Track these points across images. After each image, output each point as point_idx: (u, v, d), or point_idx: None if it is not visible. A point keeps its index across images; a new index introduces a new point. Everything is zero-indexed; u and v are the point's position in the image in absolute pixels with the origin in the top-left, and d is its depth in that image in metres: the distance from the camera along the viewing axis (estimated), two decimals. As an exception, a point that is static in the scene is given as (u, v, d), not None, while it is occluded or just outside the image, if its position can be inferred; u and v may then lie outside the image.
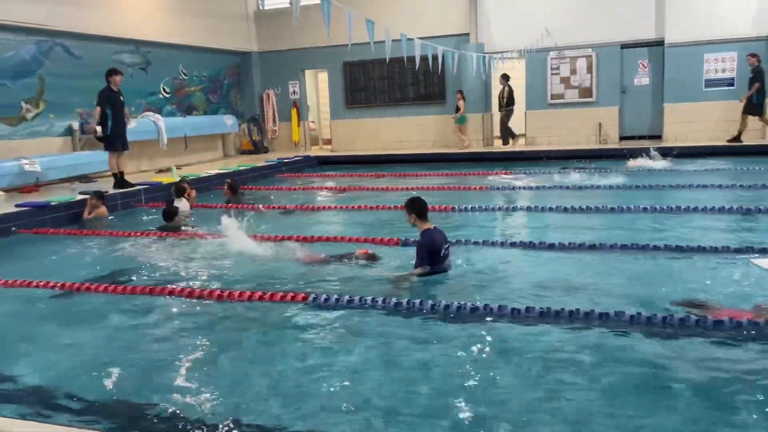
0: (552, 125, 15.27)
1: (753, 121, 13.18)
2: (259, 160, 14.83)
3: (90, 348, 4.28)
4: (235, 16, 16.99)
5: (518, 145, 15.46)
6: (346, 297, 4.83)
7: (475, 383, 3.47)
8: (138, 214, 9.64)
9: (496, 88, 16.17)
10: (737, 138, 13.21)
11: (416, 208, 5.46)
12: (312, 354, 3.96)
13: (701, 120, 13.82)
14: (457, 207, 8.44)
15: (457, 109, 15.47)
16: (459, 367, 3.68)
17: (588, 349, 3.84)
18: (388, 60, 7.33)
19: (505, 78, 15.26)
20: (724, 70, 13.88)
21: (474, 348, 3.93)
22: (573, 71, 15.14)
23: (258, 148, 17.26)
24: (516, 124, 16.90)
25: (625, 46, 14.73)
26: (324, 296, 4.89)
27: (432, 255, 5.33)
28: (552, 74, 15.27)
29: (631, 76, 14.88)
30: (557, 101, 15.32)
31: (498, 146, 15.92)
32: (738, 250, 5.72)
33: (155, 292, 5.30)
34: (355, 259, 6.02)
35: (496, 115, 16.39)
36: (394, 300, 4.71)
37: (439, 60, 8.90)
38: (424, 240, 5.38)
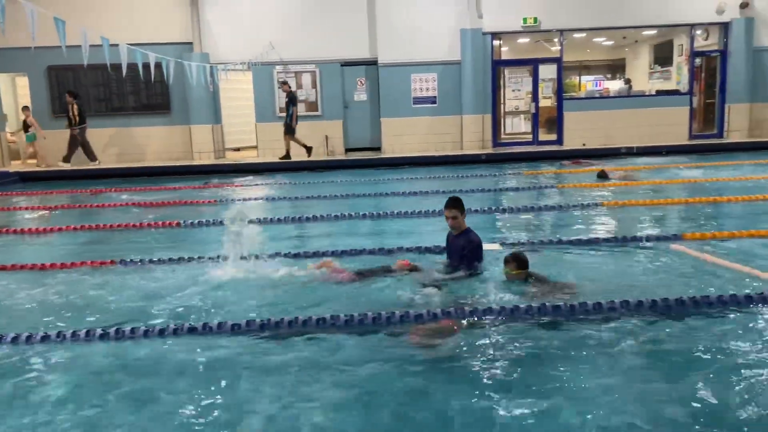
0: (281, 137, 15.57)
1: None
2: (-62, 178, 12.36)
3: None
4: None
5: (237, 156, 15.40)
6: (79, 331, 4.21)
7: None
8: None
9: (226, 99, 15.95)
10: (287, 156, 14.74)
11: (463, 206, 5.30)
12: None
13: (411, 133, 15.41)
14: (183, 222, 8.05)
15: (27, 127, 14.85)
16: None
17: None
18: (86, 65, 6.64)
19: (73, 95, 14.24)
20: (427, 89, 15.67)
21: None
22: (299, 85, 15.65)
23: (-63, 164, 14.40)
24: (247, 136, 16.93)
25: (345, 63, 15.71)
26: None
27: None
28: (279, 88, 15.57)
29: (351, 92, 15.93)
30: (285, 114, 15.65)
31: (227, 158, 15.70)
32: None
33: None
34: (397, 272, 5.30)
35: (227, 126, 16.18)
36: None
37: (152, 68, 8.37)
38: (477, 239, 5.21)
